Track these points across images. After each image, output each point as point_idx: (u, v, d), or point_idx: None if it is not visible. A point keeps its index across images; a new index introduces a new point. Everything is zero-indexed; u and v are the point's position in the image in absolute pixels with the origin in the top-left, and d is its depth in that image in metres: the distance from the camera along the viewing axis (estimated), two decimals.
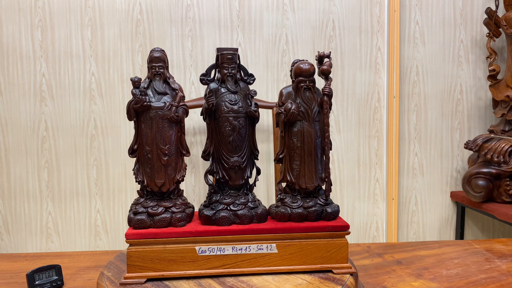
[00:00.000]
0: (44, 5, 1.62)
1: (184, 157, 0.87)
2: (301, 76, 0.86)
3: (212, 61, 1.04)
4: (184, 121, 0.87)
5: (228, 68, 0.86)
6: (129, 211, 0.84)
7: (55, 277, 0.89)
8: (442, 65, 1.84)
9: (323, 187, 0.89)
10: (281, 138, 0.89)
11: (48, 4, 1.63)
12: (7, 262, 1.04)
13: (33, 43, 1.63)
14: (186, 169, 0.87)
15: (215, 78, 0.88)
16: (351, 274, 0.83)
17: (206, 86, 0.88)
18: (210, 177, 0.90)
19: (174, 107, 0.83)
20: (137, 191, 0.88)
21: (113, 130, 1.69)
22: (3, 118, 1.65)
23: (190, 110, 1.53)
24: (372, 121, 1.80)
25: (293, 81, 0.88)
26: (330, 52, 0.93)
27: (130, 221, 0.83)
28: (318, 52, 0.91)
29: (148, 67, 0.87)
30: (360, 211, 1.83)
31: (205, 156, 0.89)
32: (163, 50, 0.86)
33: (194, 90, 1.70)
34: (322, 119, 0.87)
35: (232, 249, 0.82)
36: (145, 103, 0.82)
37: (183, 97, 0.86)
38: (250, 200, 0.87)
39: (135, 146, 0.85)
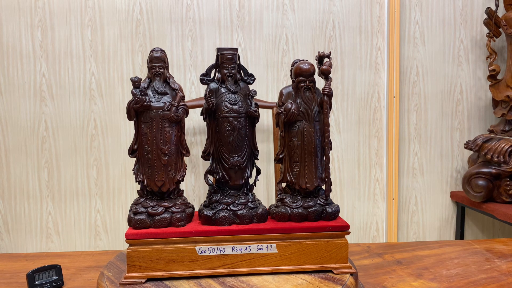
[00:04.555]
0: (44, 5, 1.62)
1: (184, 157, 0.87)
2: (301, 76, 0.86)
3: (212, 61, 1.04)
4: (184, 121, 0.87)
5: (228, 68, 0.86)
6: (129, 211, 0.84)
7: (55, 277, 0.89)
8: (442, 65, 1.84)
9: (323, 187, 0.89)
10: (281, 138, 0.89)
11: (48, 4, 1.63)
12: (7, 262, 1.04)
13: (33, 43, 1.63)
14: (186, 169, 0.87)
15: (215, 78, 0.88)
16: (351, 274, 0.83)
17: (206, 86, 0.88)
18: (210, 177, 0.90)
19: (174, 107, 0.83)
20: (137, 191, 0.88)
21: (113, 130, 1.69)
22: (3, 118, 1.65)
23: (190, 110, 1.53)
24: (372, 121, 1.80)
25: (293, 81, 0.88)
26: (330, 52, 0.93)
27: (130, 221, 0.83)
28: (318, 52, 0.91)
29: (148, 67, 0.87)
30: (360, 211, 1.83)
31: (205, 156, 0.89)
32: (163, 50, 0.86)
33: (194, 90, 1.70)
34: (322, 119, 0.87)
35: (232, 249, 0.82)
36: (145, 103, 0.82)
37: (183, 97, 0.86)
38: (250, 200, 0.87)
39: (135, 146, 0.85)
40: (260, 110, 1.10)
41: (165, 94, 0.85)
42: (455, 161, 1.88)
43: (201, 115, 0.89)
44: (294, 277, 0.82)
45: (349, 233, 0.85)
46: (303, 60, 0.88)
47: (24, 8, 1.62)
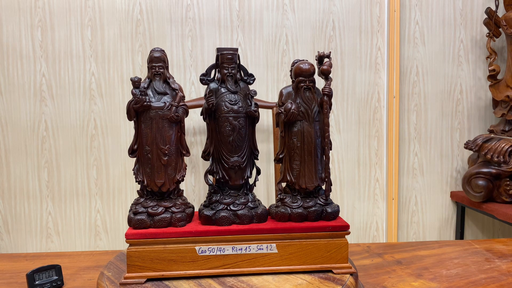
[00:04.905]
0: (44, 5, 1.62)
1: (184, 157, 0.87)
2: (301, 76, 0.86)
3: (212, 61, 1.04)
4: (184, 121, 0.87)
5: (228, 68, 0.86)
6: (129, 211, 0.84)
7: (55, 277, 0.89)
8: (442, 65, 1.84)
9: (323, 187, 0.89)
10: (281, 138, 0.89)
11: (48, 4, 1.63)
12: (7, 262, 1.04)
13: (33, 43, 1.63)
14: (186, 169, 0.87)
15: (215, 78, 0.88)
16: (351, 274, 0.83)
17: (206, 86, 0.88)
18: (210, 177, 0.90)
19: (174, 107, 0.83)
20: (137, 191, 0.88)
21: (113, 130, 1.69)
22: (3, 118, 1.65)
23: (190, 110, 1.53)
24: (372, 121, 1.80)
25: (293, 81, 0.88)
26: (330, 52, 0.93)
27: (130, 221, 0.83)
28: (318, 52, 0.91)
29: (148, 67, 0.87)
30: (360, 211, 1.83)
31: (205, 156, 0.89)
32: (163, 50, 0.86)
33: (194, 90, 1.70)
34: (322, 119, 0.87)
35: (232, 249, 0.82)
36: (145, 103, 0.82)
37: (183, 97, 0.86)
38: (250, 200, 0.87)
39: (135, 146, 0.85)
40: (260, 110, 1.10)
41: (165, 94, 0.85)
42: (455, 161, 1.88)
43: (201, 115, 0.89)
44: (294, 277, 0.82)
45: (349, 233, 0.85)
46: (303, 60, 0.88)
47: (24, 8, 1.62)
